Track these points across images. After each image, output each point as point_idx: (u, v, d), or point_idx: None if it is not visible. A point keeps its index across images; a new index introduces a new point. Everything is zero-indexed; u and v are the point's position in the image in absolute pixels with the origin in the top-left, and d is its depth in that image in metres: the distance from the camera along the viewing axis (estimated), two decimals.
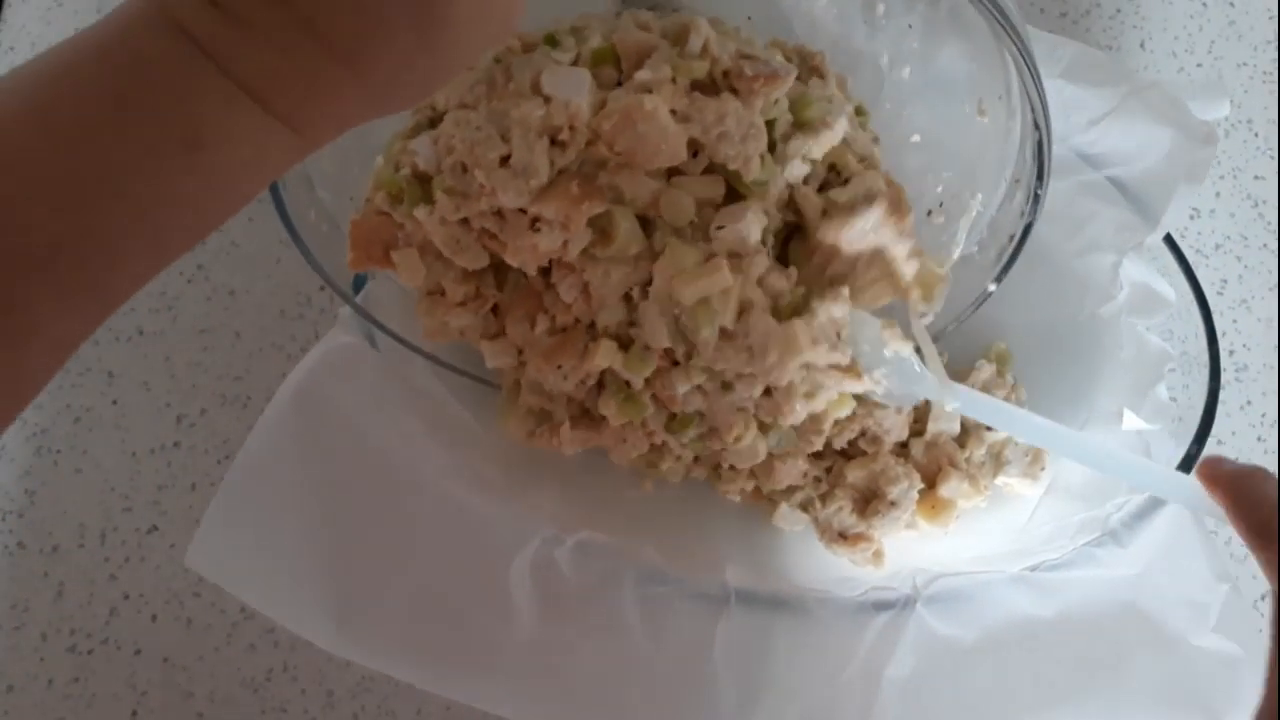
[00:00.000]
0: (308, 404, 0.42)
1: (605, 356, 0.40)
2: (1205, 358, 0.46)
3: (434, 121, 0.41)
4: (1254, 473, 0.34)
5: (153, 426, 0.53)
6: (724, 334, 0.39)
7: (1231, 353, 0.58)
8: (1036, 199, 0.40)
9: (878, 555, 0.46)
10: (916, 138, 0.45)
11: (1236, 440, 0.56)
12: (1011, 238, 0.42)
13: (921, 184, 0.44)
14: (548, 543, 0.41)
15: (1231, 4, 0.66)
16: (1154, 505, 0.43)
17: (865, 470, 0.46)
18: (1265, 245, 0.60)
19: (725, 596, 0.41)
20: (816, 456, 0.47)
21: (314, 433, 0.42)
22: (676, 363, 0.40)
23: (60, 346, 0.27)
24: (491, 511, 0.42)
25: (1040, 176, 0.39)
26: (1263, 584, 0.50)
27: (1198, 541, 0.42)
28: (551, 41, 0.40)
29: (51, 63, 0.25)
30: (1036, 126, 0.37)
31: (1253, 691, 0.39)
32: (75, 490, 0.52)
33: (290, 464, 0.41)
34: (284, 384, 0.43)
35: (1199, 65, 0.65)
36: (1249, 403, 0.57)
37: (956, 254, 0.44)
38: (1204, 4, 0.66)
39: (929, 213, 0.45)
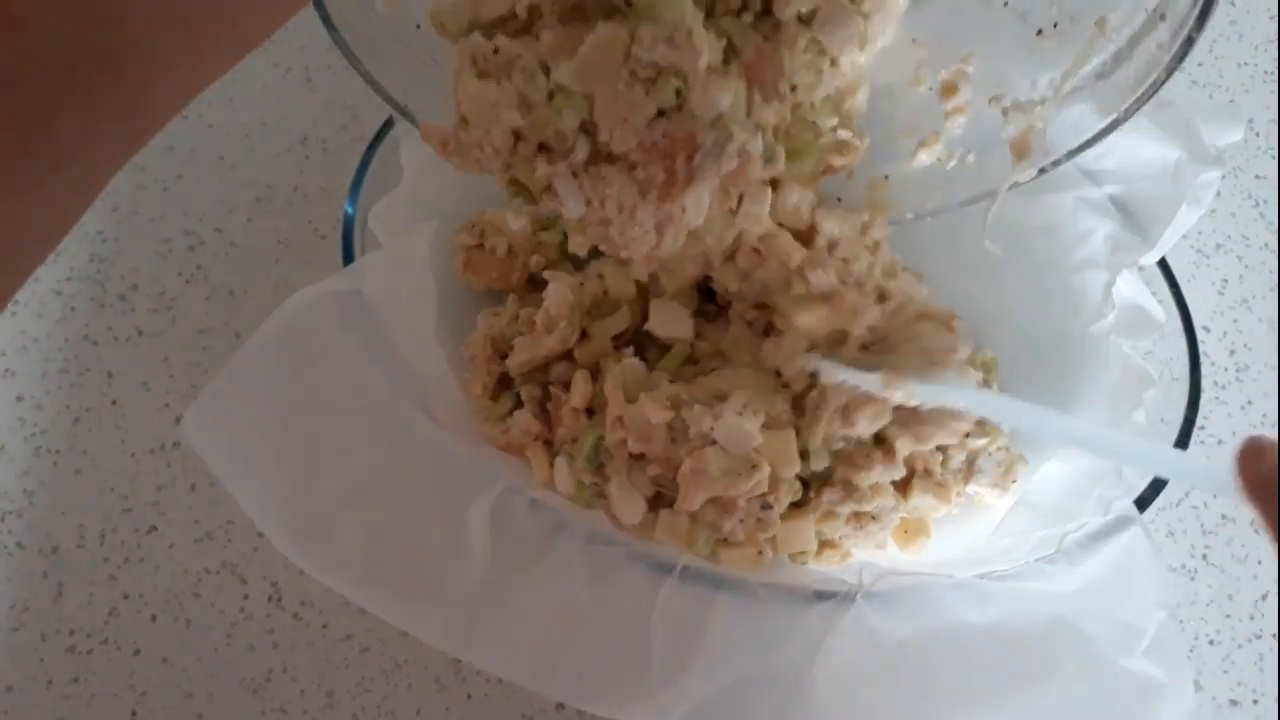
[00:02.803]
0: (297, 332, 0.43)
1: None
2: (1185, 381, 0.46)
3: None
4: None
5: (152, 427, 0.53)
6: None
7: (1232, 353, 0.58)
8: (1189, 42, 0.37)
9: (844, 555, 0.47)
10: None
11: (1237, 440, 0.56)
12: (1144, 79, 0.39)
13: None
14: (509, 491, 0.42)
15: (1232, 3, 0.66)
16: (1111, 528, 0.43)
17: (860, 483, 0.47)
18: (1266, 245, 0.60)
19: (670, 566, 0.42)
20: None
21: (299, 356, 0.43)
22: None
23: (92, 175, 0.24)
24: (459, 452, 0.43)
25: (1201, 19, 0.36)
26: (1210, 620, 0.51)
27: (1147, 568, 0.43)
28: None
29: None
30: None
31: (1170, 717, 0.40)
32: (74, 490, 0.52)
33: (274, 379, 0.42)
34: (279, 309, 0.43)
35: (1199, 65, 0.65)
36: (1250, 402, 0.57)
37: (1059, 79, 0.41)
38: None
39: (1038, 31, 0.41)
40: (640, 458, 0.44)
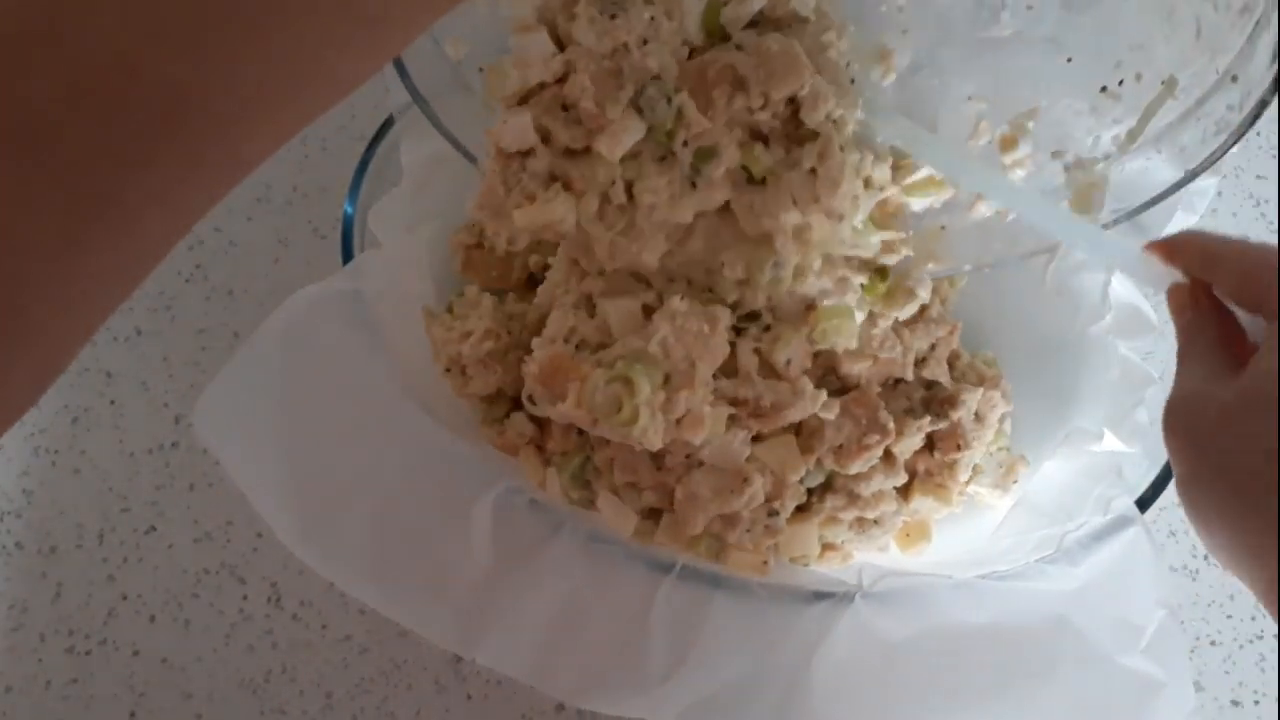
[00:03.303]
0: (298, 331, 0.43)
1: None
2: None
3: None
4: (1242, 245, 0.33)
5: (151, 427, 0.53)
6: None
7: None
8: (1262, 105, 0.36)
9: (845, 556, 0.47)
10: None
11: None
12: (1211, 139, 0.38)
13: (1098, 56, 0.40)
14: (510, 490, 0.42)
15: None
16: (1111, 528, 0.43)
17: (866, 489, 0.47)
18: None
19: (670, 565, 0.42)
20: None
21: (302, 354, 0.43)
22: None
23: (181, 215, 0.24)
24: (460, 451, 0.43)
25: (1278, 82, 0.35)
26: (1211, 621, 0.51)
27: (1147, 567, 0.43)
28: None
29: None
30: None
31: (1169, 715, 0.40)
32: (73, 490, 0.51)
33: (277, 376, 0.42)
34: (280, 307, 0.43)
35: None
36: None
37: (1123, 137, 0.40)
38: None
39: (1103, 88, 0.40)
40: (631, 485, 0.45)
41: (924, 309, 0.48)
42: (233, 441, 0.41)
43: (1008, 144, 0.42)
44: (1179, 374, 0.33)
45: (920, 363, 0.47)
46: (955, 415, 0.46)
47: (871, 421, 0.44)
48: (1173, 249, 0.35)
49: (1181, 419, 0.31)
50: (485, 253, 0.51)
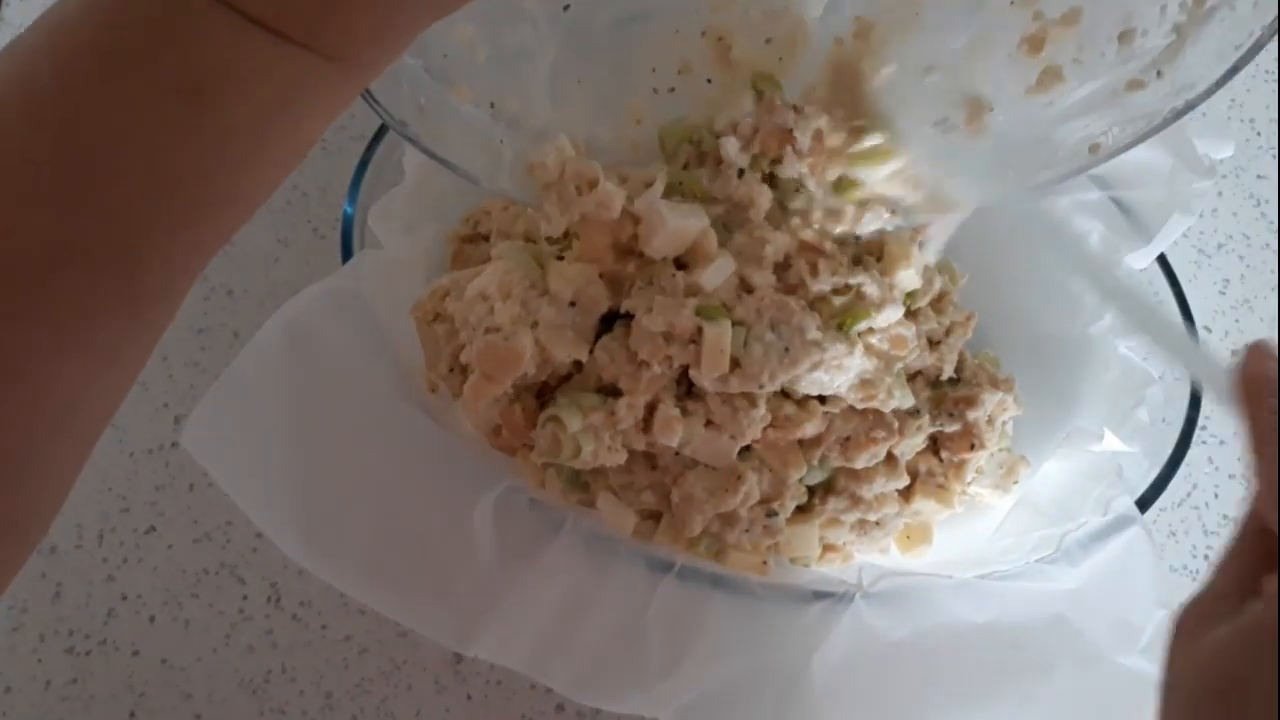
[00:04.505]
0: (299, 332, 0.43)
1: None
2: (1187, 381, 0.46)
3: None
4: None
5: (150, 427, 0.53)
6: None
7: (1234, 352, 0.58)
8: None
9: (846, 558, 0.47)
10: None
11: (1239, 439, 0.56)
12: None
13: None
14: (510, 490, 0.42)
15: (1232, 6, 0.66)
16: (1111, 528, 0.43)
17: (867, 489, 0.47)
18: (1267, 245, 0.60)
19: (670, 564, 0.42)
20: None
21: (301, 357, 0.43)
22: None
23: (110, 369, 0.25)
24: (461, 451, 0.43)
25: None
26: None
27: (1147, 567, 0.43)
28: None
29: (36, 31, 0.22)
30: None
31: None
32: (73, 491, 0.51)
33: (276, 381, 0.42)
34: (279, 310, 0.43)
35: None
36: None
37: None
38: None
39: None
40: (629, 485, 0.45)
41: (943, 295, 0.48)
42: (224, 456, 0.41)
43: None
44: (1217, 571, 0.28)
45: (933, 346, 0.47)
46: (972, 415, 0.46)
47: (878, 417, 0.44)
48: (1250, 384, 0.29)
49: (1182, 632, 0.27)
50: (474, 246, 0.51)
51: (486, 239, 0.51)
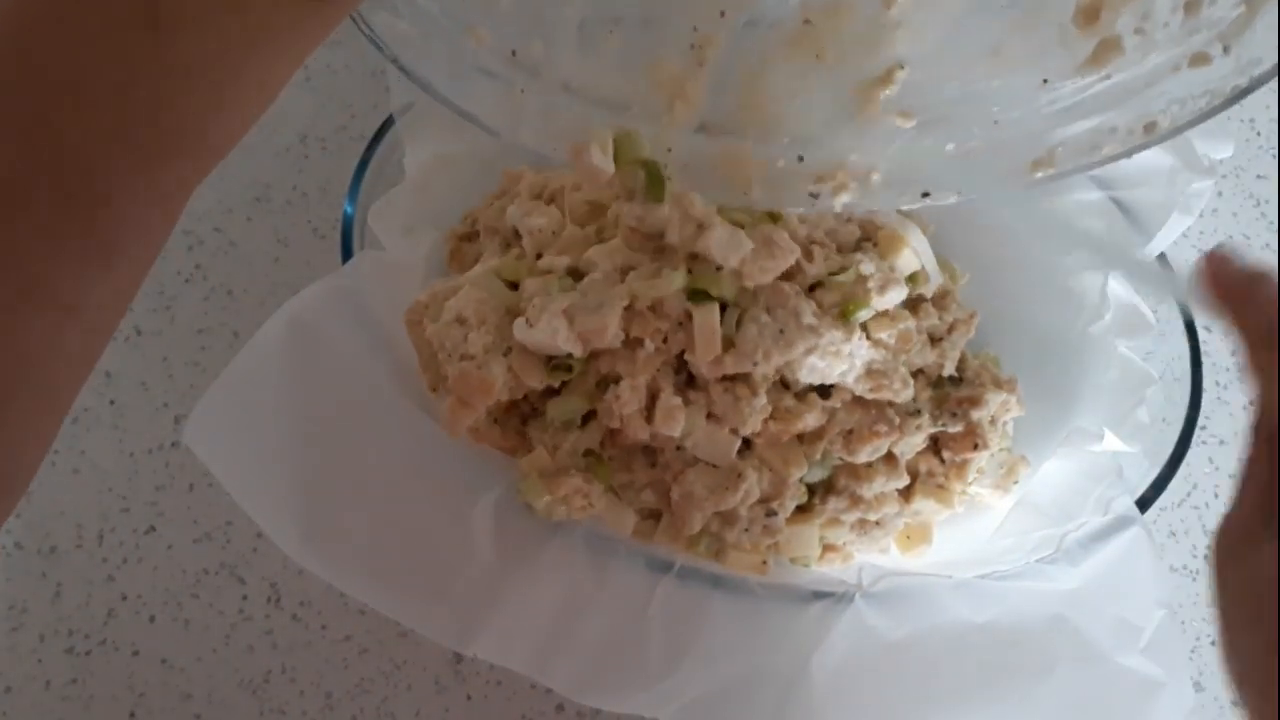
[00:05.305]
0: (300, 330, 0.43)
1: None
2: (1187, 381, 0.46)
3: None
4: (1264, 275, 0.29)
5: (150, 427, 0.53)
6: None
7: (1234, 352, 0.58)
8: None
9: (846, 558, 0.47)
10: None
11: (1239, 440, 0.56)
12: None
13: None
14: (511, 490, 0.42)
15: None
16: (1111, 528, 0.43)
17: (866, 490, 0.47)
18: (1268, 245, 0.60)
19: (670, 564, 0.42)
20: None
21: (302, 355, 0.43)
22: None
23: (79, 322, 0.24)
24: (461, 451, 0.43)
25: None
26: (1212, 621, 0.50)
27: (1147, 567, 0.43)
28: None
29: None
30: None
31: (1168, 715, 0.39)
32: (73, 491, 0.51)
33: (277, 380, 0.42)
34: (281, 309, 0.43)
35: None
36: (1252, 402, 0.56)
37: None
38: None
39: None
40: (629, 484, 0.45)
41: (945, 293, 0.48)
42: (226, 453, 0.41)
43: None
44: (1240, 490, 0.29)
45: (935, 342, 0.47)
46: (975, 415, 0.46)
47: (880, 410, 0.44)
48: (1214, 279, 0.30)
49: (1226, 552, 0.28)
50: (472, 244, 0.51)
51: (482, 241, 0.51)
